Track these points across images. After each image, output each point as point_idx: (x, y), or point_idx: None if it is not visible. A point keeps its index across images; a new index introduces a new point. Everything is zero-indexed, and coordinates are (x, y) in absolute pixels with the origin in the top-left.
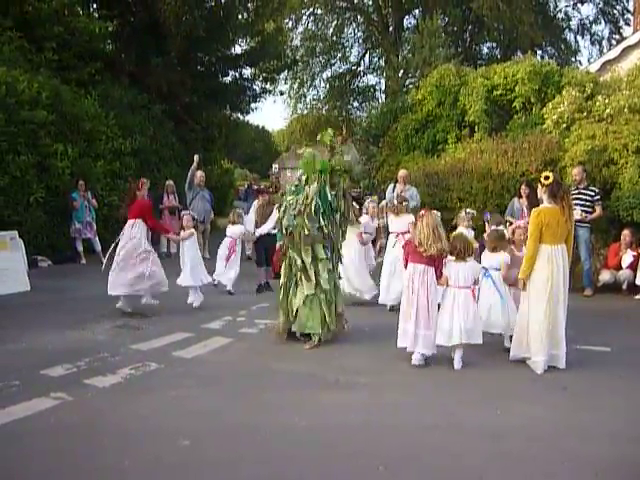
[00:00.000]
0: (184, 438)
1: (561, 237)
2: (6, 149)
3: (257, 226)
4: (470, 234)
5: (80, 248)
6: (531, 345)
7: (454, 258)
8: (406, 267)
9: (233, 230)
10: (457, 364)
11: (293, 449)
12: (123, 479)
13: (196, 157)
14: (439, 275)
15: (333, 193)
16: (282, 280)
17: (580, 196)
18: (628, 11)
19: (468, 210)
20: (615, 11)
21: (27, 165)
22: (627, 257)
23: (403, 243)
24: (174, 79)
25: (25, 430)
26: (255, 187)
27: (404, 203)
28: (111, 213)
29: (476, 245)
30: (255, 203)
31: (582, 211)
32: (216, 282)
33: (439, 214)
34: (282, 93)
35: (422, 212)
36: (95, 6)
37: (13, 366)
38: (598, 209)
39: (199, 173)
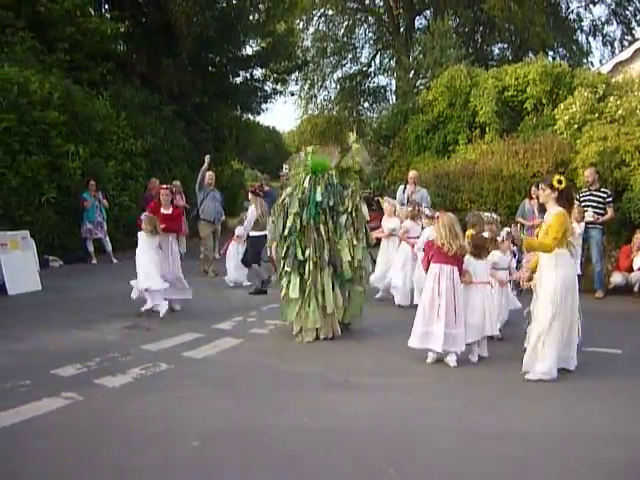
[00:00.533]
0: (193, 438)
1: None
2: (18, 149)
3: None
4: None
5: (91, 248)
6: (550, 350)
7: (473, 256)
8: (427, 270)
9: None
10: (475, 357)
11: (301, 450)
12: (132, 479)
13: (207, 158)
14: (462, 273)
15: (339, 190)
16: None
17: (592, 197)
18: None
19: (487, 214)
20: (627, 12)
21: (39, 165)
22: (639, 259)
23: (423, 246)
24: (185, 80)
25: (36, 429)
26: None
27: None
28: (122, 213)
29: None
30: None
31: (594, 213)
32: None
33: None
34: (293, 94)
35: (437, 214)
36: (107, 7)
37: (24, 366)
38: (610, 211)
39: (209, 173)
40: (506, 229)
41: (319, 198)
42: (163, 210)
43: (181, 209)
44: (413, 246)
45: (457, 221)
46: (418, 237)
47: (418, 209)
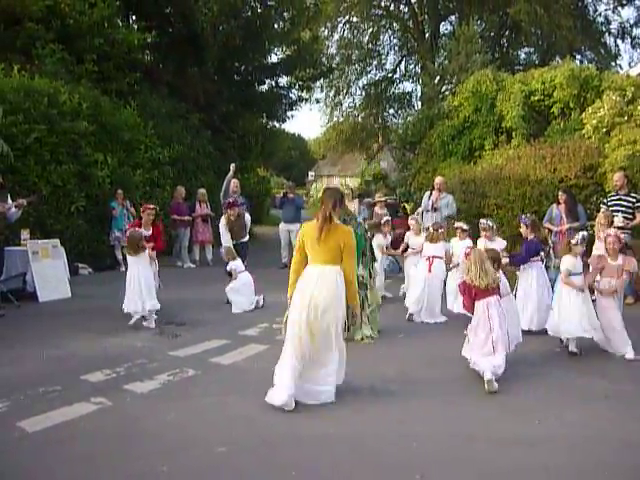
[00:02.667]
0: (220, 445)
1: (324, 256)
2: (48, 159)
3: (232, 238)
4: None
5: (120, 256)
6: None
7: None
8: (469, 310)
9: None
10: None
11: (328, 457)
12: None
13: (232, 166)
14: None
15: None
16: None
17: (621, 202)
18: None
19: (482, 220)
20: None
21: (69, 174)
22: None
23: (459, 286)
24: (211, 88)
25: (66, 435)
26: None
27: (440, 230)
28: (161, 235)
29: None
30: (224, 219)
31: (624, 217)
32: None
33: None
34: (318, 101)
35: (468, 250)
36: (134, 18)
37: (54, 371)
38: (638, 216)
39: (234, 181)
40: (582, 233)
41: None
42: (144, 232)
43: (160, 227)
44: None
45: (487, 257)
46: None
47: (437, 230)
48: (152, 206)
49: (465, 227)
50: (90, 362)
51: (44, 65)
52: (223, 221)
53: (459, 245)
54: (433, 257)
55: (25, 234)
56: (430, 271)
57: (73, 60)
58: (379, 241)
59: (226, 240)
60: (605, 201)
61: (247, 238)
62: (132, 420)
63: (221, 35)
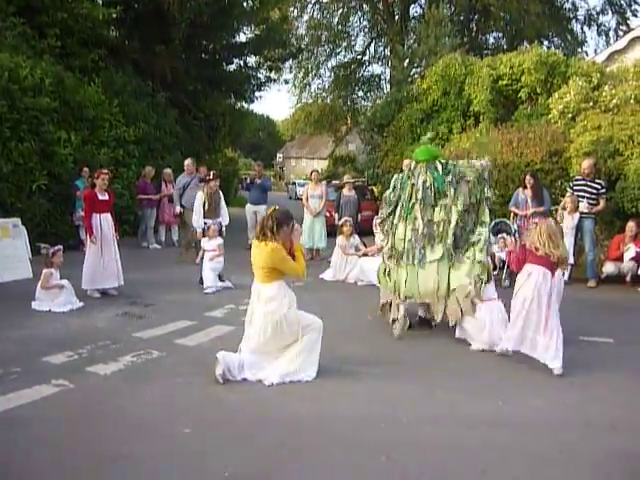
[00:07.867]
0: (184, 426)
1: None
2: (9, 136)
3: (204, 216)
4: None
5: (83, 236)
6: None
7: None
8: (519, 267)
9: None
10: None
11: (295, 438)
12: (123, 466)
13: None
14: None
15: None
16: None
17: (586, 188)
18: (635, 2)
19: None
20: (622, 2)
21: (30, 152)
22: (631, 249)
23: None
24: (178, 67)
25: (26, 417)
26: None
27: None
28: (114, 200)
29: None
30: (200, 193)
31: (588, 204)
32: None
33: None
34: (287, 82)
35: (537, 220)
36: None
37: (14, 353)
38: (602, 202)
39: (187, 162)
40: None
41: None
42: (100, 197)
43: (114, 193)
44: None
45: (557, 230)
46: None
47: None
48: (106, 171)
49: None
50: (52, 343)
51: (4, 39)
52: (200, 195)
53: None
54: None
55: None
56: None
57: (35, 34)
58: (338, 242)
59: (195, 220)
60: (571, 185)
61: (225, 221)
62: (94, 402)
63: (189, 12)
